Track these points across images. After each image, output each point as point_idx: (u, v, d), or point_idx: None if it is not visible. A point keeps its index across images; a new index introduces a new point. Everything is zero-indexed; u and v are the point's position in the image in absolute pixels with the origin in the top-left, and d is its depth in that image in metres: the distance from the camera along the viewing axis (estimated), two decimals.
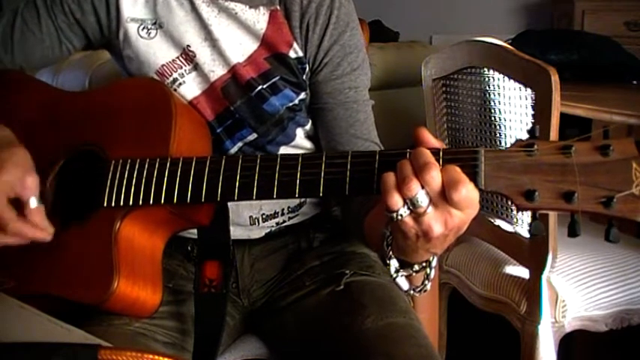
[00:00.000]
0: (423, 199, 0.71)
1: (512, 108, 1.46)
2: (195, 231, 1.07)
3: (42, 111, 1.07)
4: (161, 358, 0.67)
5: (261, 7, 1.08)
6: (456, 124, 1.66)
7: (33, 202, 0.89)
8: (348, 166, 0.80)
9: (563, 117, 1.34)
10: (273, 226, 1.15)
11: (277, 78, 1.08)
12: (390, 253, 0.81)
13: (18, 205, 0.89)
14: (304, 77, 1.10)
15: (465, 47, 1.55)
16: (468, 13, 4.25)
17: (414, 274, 0.82)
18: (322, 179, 0.81)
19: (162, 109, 0.97)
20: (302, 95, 1.10)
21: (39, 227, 0.90)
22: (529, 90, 1.38)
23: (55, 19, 1.10)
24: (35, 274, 0.98)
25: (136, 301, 0.94)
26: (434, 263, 0.81)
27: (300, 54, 1.09)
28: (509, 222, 1.54)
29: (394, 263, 0.82)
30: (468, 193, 0.70)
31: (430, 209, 0.72)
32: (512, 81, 1.43)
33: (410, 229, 0.74)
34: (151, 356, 0.67)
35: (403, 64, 2.43)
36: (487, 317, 1.67)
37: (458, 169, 0.71)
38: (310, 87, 1.11)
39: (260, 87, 1.07)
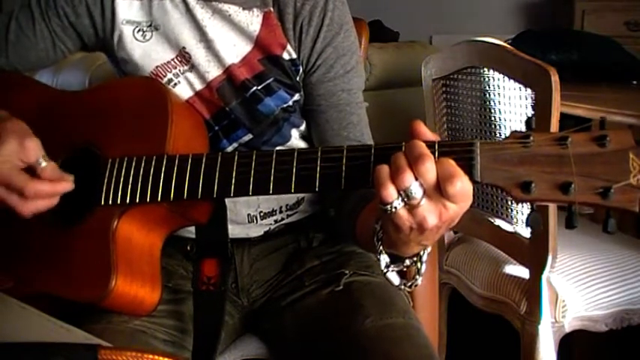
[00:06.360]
0: (416, 190, 0.71)
1: (512, 108, 1.46)
2: (194, 230, 1.07)
3: (39, 111, 1.07)
4: (161, 357, 0.67)
5: (255, 9, 1.08)
6: (456, 124, 1.66)
7: (41, 162, 0.91)
8: (344, 160, 0.79)
9: (563, 117, 1.34)
10: (271, 224, 1.15)
11: (271, 79, 1.08)
12: (381, 247, 0.81)
13: (31, 173, 0.91)
14: (298, 79, 1.10)
15: (465, 47, 1.55)
16: (468, 13, 4.24)
17: (404, 268, 0.82)
18: (318, 174, 0.81)
19: (158, 107, 0.97)
20: (296, 96, 1.10)
21: (56, 181, 0.91)
22: (529, 90, 1.38)
23: (49, 23, 1.10)
24: (34, 274, 0.98)
25: (134, 299, 0.94)
26: (424, 257, 0.81)
27: (294, 56, 1.09)
28: (509, 222, 1.54)
29: (384, 258, 0.81)
30: (463, 187, 0.70)
31: (424, 201, 0.72)
32: (512, 81, 1.43)
33: (404, 222, 0.73)
34: (150, 356, 0.67)
35: (403, 64, 2.43)
36: (487, 317, 1.67)
37: (452, 162, 0.71)
38: (303, 88, 1.11)
39: (254, 88, 1.07)
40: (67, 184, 0.93)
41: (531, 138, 0.71)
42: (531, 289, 1.47)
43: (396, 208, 0.72)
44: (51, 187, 0.91)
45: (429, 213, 0.72)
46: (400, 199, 0.72)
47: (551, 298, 1.45)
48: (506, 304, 1.54)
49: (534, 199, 0.71)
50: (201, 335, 1.01)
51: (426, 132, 0.76)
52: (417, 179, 0.71)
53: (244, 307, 1.16)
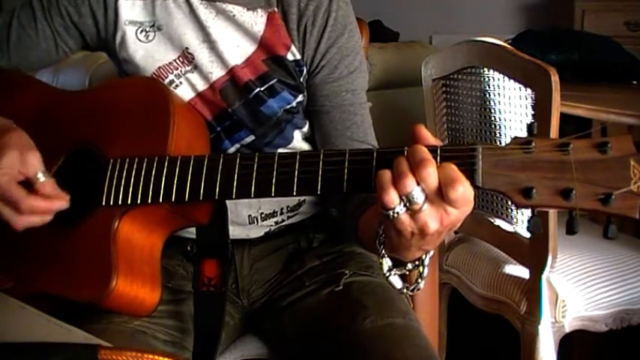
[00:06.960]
0: (418, 195, 0.71)
1: (512, 108, 1.46)
2: (194, 231, 1.07)
3: (40, 111, 1.07)
4: (161, 357, 0.67)
5: (259, 10, 1.08)
6: (456, 124, 1.66)
7: (40, 177, 0.90)
8: (346, 164, 0.79)
9: (563, 117, 1.34)
10: (272, 225, 1.15)
11: (275, 80, 1.08)
12: (383, 251, 0.81)
13: (29, 186, 0.90)
14: (302, 79, 1.10)
15: (465, 47, 1.55)
16: (467, 13, 4.24)
17: (407, 272, 0.82)
18: (320, 177, 0.81)
19: (160, 108, 0.97)
20: (299, 98, 1.10)
21: (52, 198, 0.91)
22: (529, 90, 1.38)
23: (52, 22, 1.10)
24: (34, 274, 0.98)
25: (134, 299, 0.94)
26: (427, 261, 0.81)
27: (298, 56, 1.08)
28: (509, 222, 1.54)
29: (387, 262, 0.81)
30: (464, 191, 0.70)
31: (426, 206, 0.72)
32: (512, 81, 1.43)
33: (406, 227, 0.73)
34: (150, 356, 0.67)
35: (403, 64, 2.43)
36: (487, 317, 1.67)
37: (454, 167, 0.71)
38: (307, 89, 1.11)
39: (258, 89, 1.07)
40: (62, 203, 0.92)
41: (533, 144, 0.72)
42: (531, 289, 1.47)
43: (397, 213, 0.72)
44: (46, 204, 0.91)
45: (431, 218, 0.72)
46: (402, 204, 0.72)
47: (551, 298, 1.45)
48: (506, 304, 1.55)
49: (535, 204, 0.71)
50: (201, 336, 1.02)
51: (428, 136, 0.76)
52: (418, 184, 0.71)
53: (244, 308, 1.16)
